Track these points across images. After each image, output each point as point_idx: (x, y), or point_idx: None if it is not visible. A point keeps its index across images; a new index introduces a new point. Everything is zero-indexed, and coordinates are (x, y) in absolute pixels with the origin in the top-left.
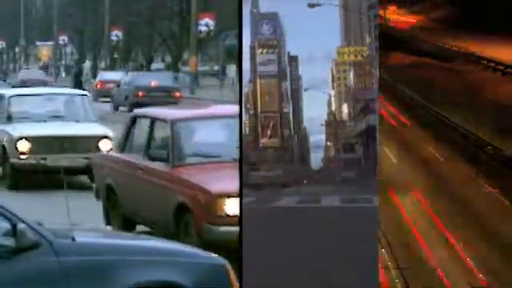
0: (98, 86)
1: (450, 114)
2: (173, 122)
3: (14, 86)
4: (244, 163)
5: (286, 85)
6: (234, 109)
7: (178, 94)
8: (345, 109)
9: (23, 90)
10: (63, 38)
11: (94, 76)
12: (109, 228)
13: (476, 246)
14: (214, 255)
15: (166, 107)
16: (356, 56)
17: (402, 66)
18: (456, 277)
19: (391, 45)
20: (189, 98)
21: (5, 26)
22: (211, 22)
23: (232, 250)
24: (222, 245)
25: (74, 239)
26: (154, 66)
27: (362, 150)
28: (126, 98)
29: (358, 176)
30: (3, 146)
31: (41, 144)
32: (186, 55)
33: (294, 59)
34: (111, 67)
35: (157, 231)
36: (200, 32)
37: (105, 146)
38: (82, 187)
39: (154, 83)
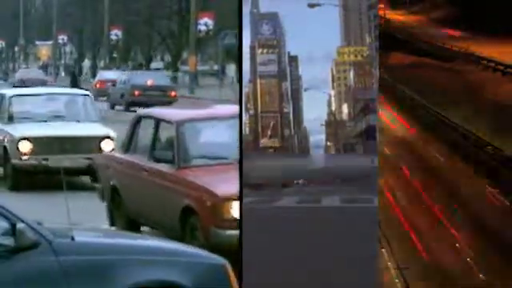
0: (98, 86)
1: (450, 113)
2: (178, 123)
3: (14, 86)
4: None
5: (286, 85)
6: (238, 109)
7: (173, 94)
8: (345, 109)
9: (24, 90)
10: (62, 38)
11: (94, 75)
12: (108, 228)
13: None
14: (213, 255)
15: (170, 107)
16: (356, 56)
17: (402, 66)
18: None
19: (391, 45)
20: (188, 97)
21: (4, 25)
22: (210, 22)
23: (238, 254)
24: (228, 248)
25: (73, 239)
26: (153, 65)
27: (362, 150)
28: (122, 96)
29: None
30: (4, 147)
31: (42, 145)
32: (185, 54)
33: (294, 59)
34: (110, 66)
35: (162, 233)
36: (199, 31)
37: (107, 146)
38: (83, 188)
39: (150, 82)
